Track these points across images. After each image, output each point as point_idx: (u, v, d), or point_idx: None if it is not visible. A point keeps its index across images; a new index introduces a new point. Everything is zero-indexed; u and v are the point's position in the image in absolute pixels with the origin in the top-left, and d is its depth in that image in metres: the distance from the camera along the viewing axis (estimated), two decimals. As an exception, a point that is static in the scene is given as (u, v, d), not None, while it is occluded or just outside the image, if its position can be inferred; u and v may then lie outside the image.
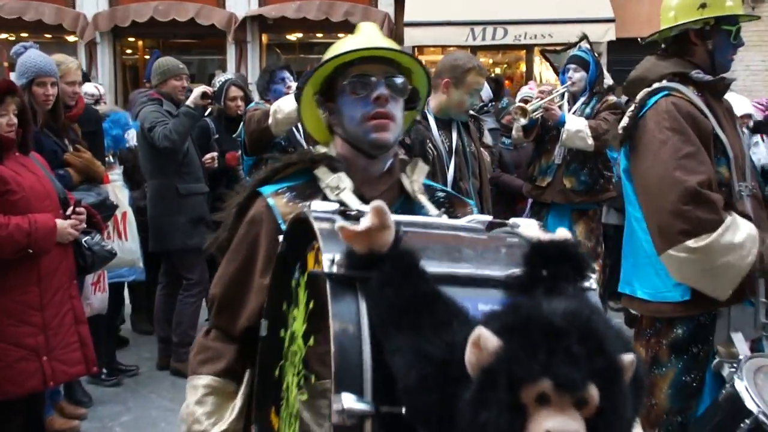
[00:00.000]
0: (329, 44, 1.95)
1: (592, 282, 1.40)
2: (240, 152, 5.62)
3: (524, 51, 14.80)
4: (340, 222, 1.34)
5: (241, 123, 5.31)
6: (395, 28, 14.09)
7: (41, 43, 13.73)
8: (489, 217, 1.62)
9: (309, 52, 14.99)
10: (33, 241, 3.66)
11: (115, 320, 5.74)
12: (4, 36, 15.45)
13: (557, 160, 5.68)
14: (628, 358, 1.07)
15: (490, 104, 7.14)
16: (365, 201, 1.74)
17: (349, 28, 14.27)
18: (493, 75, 11.26)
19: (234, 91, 6.22)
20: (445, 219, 1.70)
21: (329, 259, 1.30)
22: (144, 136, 5.44)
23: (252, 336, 1.78)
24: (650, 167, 2.94)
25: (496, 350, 1.03)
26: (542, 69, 14.07)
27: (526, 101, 5.96)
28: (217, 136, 6.19)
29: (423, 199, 1.83)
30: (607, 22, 12.75)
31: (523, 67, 15.09)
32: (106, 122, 5.48)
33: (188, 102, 5.42)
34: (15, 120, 3.72)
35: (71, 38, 15.00)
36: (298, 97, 1.99)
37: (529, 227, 1.51)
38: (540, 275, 1.30)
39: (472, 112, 4.73)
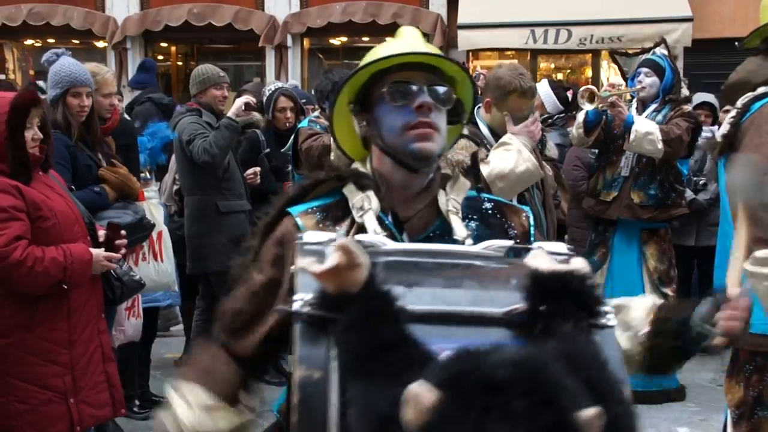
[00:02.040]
0: None
1: (609, 318, 1.39)
2: (290, 168, 5.72)
3: (590, 55, 14.75)
4: (304, 261, 1.39)
5: (291, 137, 5.44)
6: (448, 30, 14.19)
7: (68, 49, 14.15)
8: (509, 242, 1.65)
9: (354, 58, 15.11)
10: (69, 274, 3.61)
11: (149, 348, 5.87)
12: (30, 42, 15.97)
13: (624, 172, 5.64)
14: (588, 412, 1.03)
15: (557, 117, 7.01)
16: (399, 222, 1.82)
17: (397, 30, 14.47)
18: (564, 84, 11.20)
19: (283, 102, 6.30)
20: (464, 246, 1.72)
21: (300, 298, 1.36)
22: (182, 149, 5.60)
23: (259, 362, 1.86)
24: None
25: (431, 407, 1.03)
26: (610, 74, 14.00)
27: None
28: (267, 150, 6.34)
29: (454, 219, 1.84)
30: (683, 21, 12.60)
31: (588, 73, 15.02)
32: (144, 135, 5.66)
33: (229, 113, 5.56)
34: (40, 134, 3.68)
35: (100, 44, 15.41)
36: (331, 108, 2.02)
37: (536, 255, 1.49)
38: (538, 311, 1.32)
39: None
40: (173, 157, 6.00)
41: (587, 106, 5.56)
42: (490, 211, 1.94)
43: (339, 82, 2.08)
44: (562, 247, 1.52)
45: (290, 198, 1.90)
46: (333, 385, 1.24)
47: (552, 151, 5.50)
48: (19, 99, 3.61)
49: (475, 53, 14.56)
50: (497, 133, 4.29)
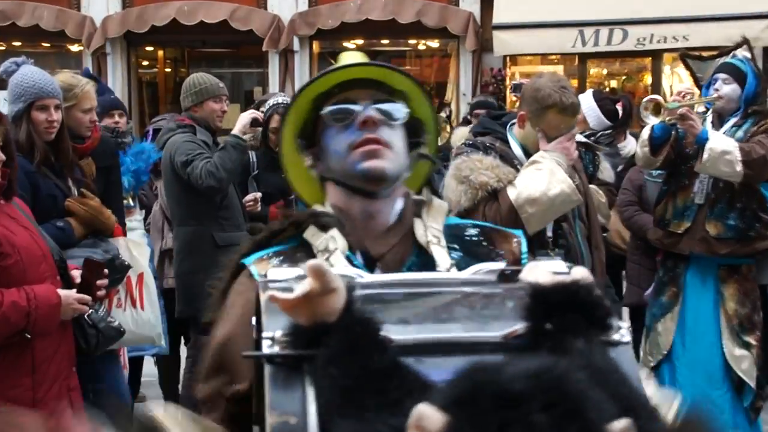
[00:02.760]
0: (397, 52, 2.06)
1: (623, 334, 1.41)
2: (293, 197, 5.69)
3: (649, 58, 14.72)
4: (270, 291, 1.41)
5: None
6: (482, 32, 14.26)
7: (38, 54, 14.19)
8: (501, 265, 1.68)
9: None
10: (32, 321, 3.59)
11: (134, 400, 5.83)
12: (-8, 45, 16.09)
13: (698, 199, 5.52)
14: (619, 424, 1.05)
15: (601, 133, 6.90)
16: (371, 261, 1.87)
17: (422, 31, 14.49)
18: (615, 93, 11.16)
19: (277, 121, 6.30)
20: (449, 273, 1.78)
21: (269, 336, 1.37)
22: (173, 171, 5.59)
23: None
24: None
25: (441, 429, 1.05)
26: (673, 81, 13.95)
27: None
28: (256, 172, 6.34)
29: (435, 249, 1.88)
30: (762, 18, 12.53)
31: (648, 79, 15.00)
32: (128, 155, 5.67)
33: (235, 131, 5.59)
34: (2, 156, 3.65)
35: (75, 47, 15.57)
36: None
37: (533, 269, 1.54)
38: (543, 329, 1.34)
39: (583, 138, 4.69)
40: (160, 183, 6.01)
41: (652, 120, 5.46)
42: (474, 239, 1.98)
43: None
44: (559, 264, 1.55)
45: (242, 253, 1.95)
46: (312, 430, 1.28)
47: (607, 173, 5.43)
48: None
49: (514, 58, 14.61)
50: (531, 153, 4.27)
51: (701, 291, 5.63)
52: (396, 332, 1.37)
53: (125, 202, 5.42)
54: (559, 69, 14.47)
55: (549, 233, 4.15)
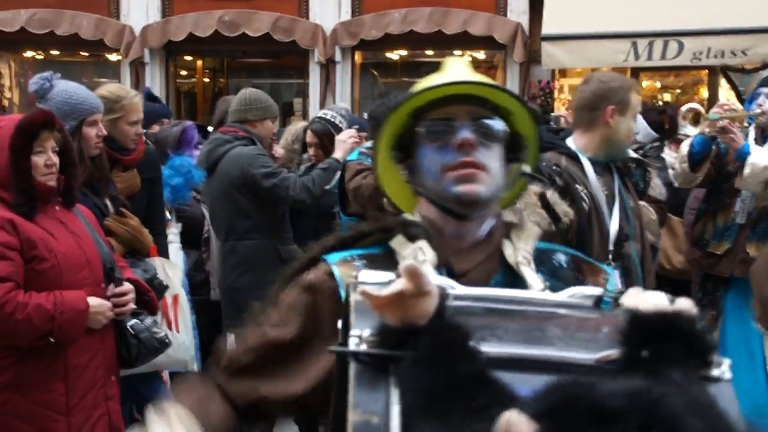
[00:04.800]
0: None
1: (724, 371, 1.38)
2: (337, 209, 5.82)
3: (706, 72, 14.58)
4: (365, 286, 1.43)
5: (337, 174, 5.60)
6: (530, 42, 14.30)
7: (76, 63, 14.32)
8: (599, 290, 1.69)
9: (416, 75, 15.15)
10: (57, 327, 3.63)
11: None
12: (30, 54, 16.39)
13: (739, 219, 5.58)
14: None
15: (649, 146, 6.96)
16: (454, 276, 1.84)
17: (468, 42, 14.37)
18: (659, 105, 11.08)
19: (309, 137, 6.60)
20: (544, 294, 1.78)
21: (356, 335, 1.40)
22: (242, 183, 5.81)
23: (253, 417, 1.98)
24: None
25: None
26: (731, 95, 13.84)
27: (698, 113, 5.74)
28: None
29: (526, 270, 1.92)
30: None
31: (704, 93, 14.82)
32: (165, 169, 5.77)
33: (338, 155, 5.80)
34: (56, 160, 3.76)
35: (113, 57, 15.79)
36: (374, 159, 2.14)
37: (634, 296, 1.51)
38: (639, 357, 1.33)
39: (632, 153, 4.73)
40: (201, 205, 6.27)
41: (690, 130, 5.52)
42: (564, 265, 2.02)
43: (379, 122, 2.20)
44: (661, 295, 1.52)
45: (326, 248, 2.00)
46: (395, 430, 1.28)
47: (658, 189, 5.39)
48: (27, 119, 3.75)
49: (563, 72, 14.54)
50: (613, 153, 4.36)
51: (742, 315, 5.58)
52: (486, 344, 1.37)
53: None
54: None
55: (610, 247, 4.20)
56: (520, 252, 1.95)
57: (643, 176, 5.06)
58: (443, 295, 1.42)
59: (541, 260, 1.99)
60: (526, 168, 2.08)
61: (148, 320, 4.21)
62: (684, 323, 1.37)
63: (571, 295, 1.67)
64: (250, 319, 2.08)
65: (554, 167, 4.18)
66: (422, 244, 1.90)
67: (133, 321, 4.10)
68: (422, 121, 1.98)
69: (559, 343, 1.44)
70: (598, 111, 4.30)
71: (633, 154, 4.81)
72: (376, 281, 1.50)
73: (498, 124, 1.98)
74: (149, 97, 8.69)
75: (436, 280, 1.55)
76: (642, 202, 4.99)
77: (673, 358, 1.31)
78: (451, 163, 1.92)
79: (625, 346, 1.37)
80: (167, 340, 4.35)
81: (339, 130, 6.33)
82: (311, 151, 6.55)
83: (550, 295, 1.72)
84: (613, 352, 1.39)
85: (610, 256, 4.20)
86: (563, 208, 3.93)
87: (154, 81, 15.31)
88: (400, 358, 1.33)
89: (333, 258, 1.96)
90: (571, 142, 4.41)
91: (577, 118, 4.43)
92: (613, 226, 4.23)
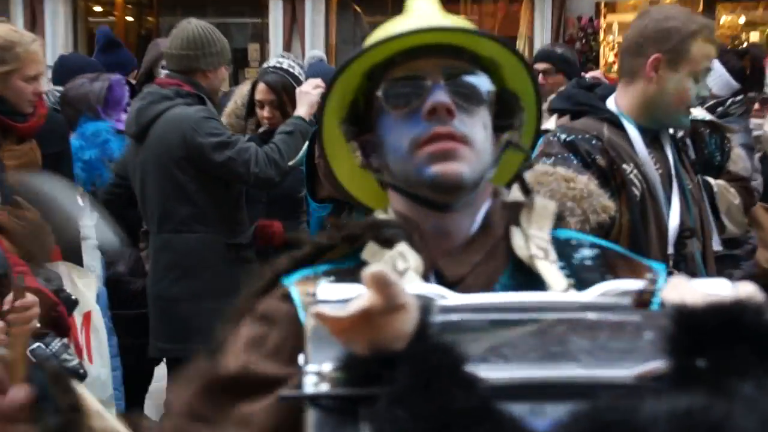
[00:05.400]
0: None
1: None
2: (304, 192, 5.70)
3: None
4: (320, 306, 1.41)
5: (304, 146, 5.49)
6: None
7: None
8: (639, 284, 1.65)
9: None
10: None
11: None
12: None
13: None
14: None
15: (731, 101, 6.86)
16: (447, 285, 1.79)
17: None
18: (741, 46, 11.13)
19: (261, 92, 6.36)
20: (566, 294, 1.77)
21: (314, 371, 1.38)
22: (186, 157, 5.58)
23: None
24: None
25: None
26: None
27: None
28: None
29: (543, 266, 1.88)
30: None
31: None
32: (74, 139, 5.66)
33: (302, 113, 5.68)
34: None
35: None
36: (318, 134, 2.11)
37: (678, 285, 1.49)
38: (694, 368, 1.31)
39: (705, 115, 4.66)
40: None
41: None
42: (589, 263, 1.97)
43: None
44: (718, 282, 1.49)
45: (282, 269, 1.96)
46: None
47: (741, 163, 5.27)
48: None
49: (611, 4, 14.60)
50: (661, 119, 4.24)
51: None
52: (489, 368, 1.37)
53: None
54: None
55: (671, 249, 4.09)
56: (533, 241, 1.91)
57: (720, 145, 4.96)
58: (425, 309, 1.39)
59: (562, 254, 1.94)
60: (515, 136, 2.03)
61: (56, 344, 4.14)
62: (750, 316, 1.32)
63: (602, 294, 1.63)
64: (201, 349, 2.03)
65: (594, 140, 4.06)
66: (402, 248, 1.86)
67: (36, 345, 4.01)
68: (381, 83, 1.93)
69: (586, 358, 1.42)
70: (641, 59, 4.20)
71: (703, 115, 4.73)
72: (339, 297, 1.48)
73: (481, 81, 1.93)
74: (109, 43, 8.68)
75: (421, 289, 1.55)
76: (720, 181, 4.96)
77: (738, 365, 1.27)
78: (421, 135, 1.87)
79: (674, 355, 1.33)
80: (81, 371, 4.29)
81: (300, 83, 6.16)
82: (264, 112, 6.32)
83: (574, 296, 1.71)
84: (658, 365, 1.35)
85: (671, 260, 4.12)
86: (602, 202, 3.89)
87: (56, 19, 15.33)
88: (373, 397, 1.30)
89: (290, 279, 1.91)
90: (611, 103, 4.30)
91: (621, 67, 4.33)
92: (673, 217, 4.12)
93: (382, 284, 1.34)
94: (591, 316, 1.53)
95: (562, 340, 1.45)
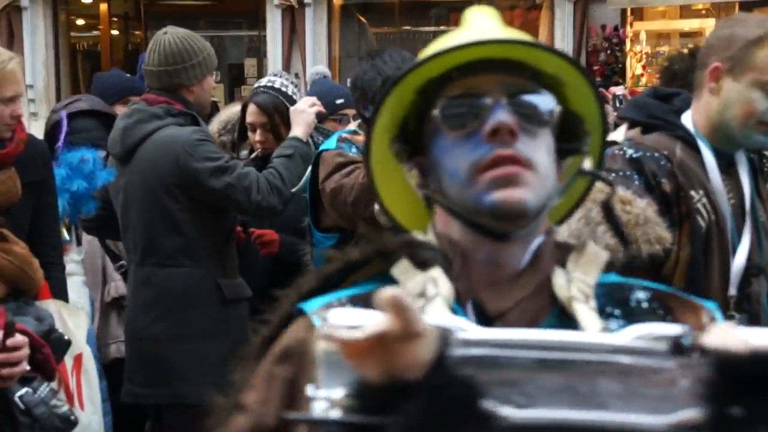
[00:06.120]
0: (460, 3, 2.06)
1: None
2: (307, 222, 5.62)
3: None
4: (330, 328, 1.43)
5: (308, 169, 5.47)
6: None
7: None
8: (676, 329, 1.63)
9: (421, 22, 15.20)
10: None
11: None
12: None
13: None
14: None
15: None
16: (487, 318, 1.85)
17: None
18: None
19: (251, 114, 6.32)
20: (598, 336, 1.76)
21: (324, 396, 1.39)
22: (179, 184, 5.49)
23: None
24: None
25: None
26: None
27: None
28: None
29: (579, 309, 1.88)
30: None
31: None
32: (62, 167, 5.60)
33: (299, 133, 5.61)
34: None
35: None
36: (365, 151, 2.10)
37: (719, 333, 1.52)
38: (732, 417, 1.32)
39: None
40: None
41: None
42: (644, 305, 1.97)
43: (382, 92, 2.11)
44: (762, 331, 1.52)
45: (304, 292, 1.96)
46: None
47: None
48: None
49: (638, 10, 14.58)
50: (732, 138, 4.13)
51: None
52: (509, 405, 1.38)
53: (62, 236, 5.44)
54: (710, 24, 14.40)
55: (733, 291, 4.00)
56: (574, 284, 1.91)
57: (758, 163, 4.83)
58: (444, 339, 1.41)
59: (616, 299, 1.96)
60: (587, 164, 2.01)
61: (44, 389, 4.08)
62: None
63: (637, 337, 1.61)
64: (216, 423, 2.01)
65: (663, 160, 3.99)
66: (436, 272, 1.86)
67: (23, 390, 3.98)
68: (437, 100, 1.92)
69: (616, 402, 1.43)
70: (704, 70, 4.13)
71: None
72: (352, 323, 1.47)
73: (545, 101, 1.92)
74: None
75: (442, 319, 1.55)
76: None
77: None
78: (482, 159, 1.86)
79: (711, 402, 1.35)
80: (72, 417, 4.23)
81: (294, 104, 6.06)
82: (256, 135, 6.31)
83: (607, 338, 1.68)
84: (694, 413, 1.36)
85: (732, 300, 4.06)
86: (658, 232, 3.79)
87: (36, 34, 15.35)
88: (386, 427, 1.32)
89: (312, 305, 1.91)
90: (688, 119, 4.22)
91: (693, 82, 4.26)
92: (741, 254, 4.04)
93: (399, 308, 1.36)
94: (624, 359, 1.54)
95: (592, 383, 1.46)
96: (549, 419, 1.39)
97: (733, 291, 3.92)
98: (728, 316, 3.82)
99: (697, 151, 3.95)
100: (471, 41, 1.91)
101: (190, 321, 5.46)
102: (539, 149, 1.89)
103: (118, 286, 6.28)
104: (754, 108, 3.83)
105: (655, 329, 1.62)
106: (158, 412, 5.85)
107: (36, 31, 15.33)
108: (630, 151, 3.89)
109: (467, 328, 1.57)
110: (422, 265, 1.88)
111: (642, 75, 14.64)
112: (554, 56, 1.96)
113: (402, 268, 1.89)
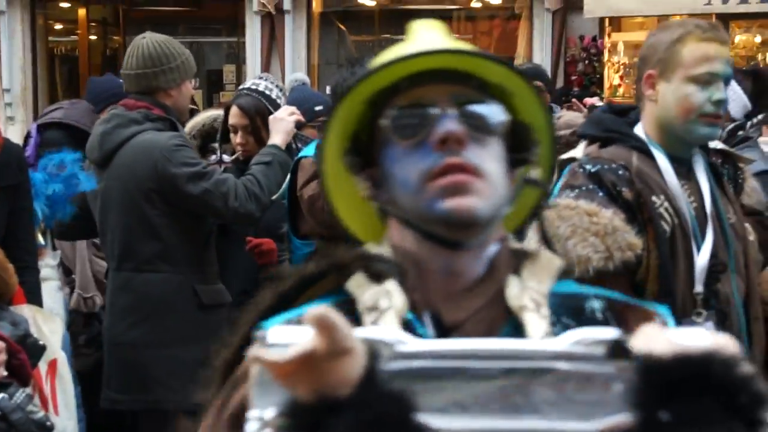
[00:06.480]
0: (440, 12, 2.08)
1: None
2: (285, 229, 5.66)
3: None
4: (256, 349, 1.44)
5: (287, 177, 5.46)
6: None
7: None
8: (613, 332, 1.64)
9: (400, 32, 15.22)
10: None
11: None
12: None
13: None
14: None
15: (749, 124, 6.84)
16: (444, 329, 1.85)
17: None
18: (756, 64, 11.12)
19: (234, 117, 6.27)
20: (537, 343, 1.77)
21: (256, 417, 1.41)
22: (159, 189, 5.49)
23: None
24: None
25: None
26: None
27: None
28: None
29: (529, 318, 1.87)
30: None
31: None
32: (39, 170, 5.61)
33: (277, 141, 5.63)
34: None
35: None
36: (318, 165, 2.13)
37: (649, 333, 1.54)
38: (659, 422, 1.34)
39: (716, 143, 4.62)
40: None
41: None
42: (598, 315, 1.97)
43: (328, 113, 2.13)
44: (696, 331, 1.53)
45: (261, 312, 1.95)
46: None
47: (756, 196, 5.17)
48: None
49: (616, 21, 14.61)
50: (680, 138, 4.18)
51: None
52: (443, 418, 1.39)
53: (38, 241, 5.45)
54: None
55: (699, 288, 4.08)
56: (527, 293, 1.91)
57: (734, 176, 4.84)
58: (374, 354, 1.43)
59: (567, 307, 1.95)
60: (533, 173, 2.05)
61: (21, 395, 4.09)
62: (718, 368, 1.36)
63: (575, 342, 1.62)
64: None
65: (621, 170, 4.03)
66: (390, 285, 1.86)
67: (0, 396, 3.99)
68: (386, 111, 1.95)
69: (549, 410, 1.45)
70: (641, 82, 4.23)
71: (715, 143, 4.68)
72: (289, 341, 1.48)
73: (493, 110, 1.95)
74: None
75: (382, 334, 1.55)
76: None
77: (704, 419, 1.32)
78: (432, 168, 1.88)
79: (638, 408, 1.37)
80: (48, 423, 4.21)
81: (278, 108, 6.13)
82: (237, 138, 6.33)
83: (544, 344, 1.70)
84: (624, 418, 1.39)
85: (699, 298, 4.09)
86: (627, 239, 3.88)
87: (14, 38, 15.32)
88: None
89: (270, 324, 1.83)
90: (640, 130, 4.29)
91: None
92: (704, 252, 4.10)
93: (325, 326, 1.37)
94: (560, 365, 1.55)
95: (526, 391, 1.47)
96: (480, 428, 1.40)
97: (699, 288, 4.01)
98: (696, 314, 3.96)
99: (652, 158, 4.06)
100: (416, 51, 1.93)
101: (167, 327, 5.46)
102: (488, 158, 1.91)
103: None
104: (691, 102, 3.96)
105: (592, 333, 1.63)
106: (135, 418, 5.84)
107: (14, 35, 15.28)
108: (588, 167, 3.99)
109: (406, 341, 1.57)
110: (377, 277, 1.88)
111: (619, 86, 14.69)
112: (499, 66, 1.98)
113: (356, 282, 1.89)
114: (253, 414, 1.42)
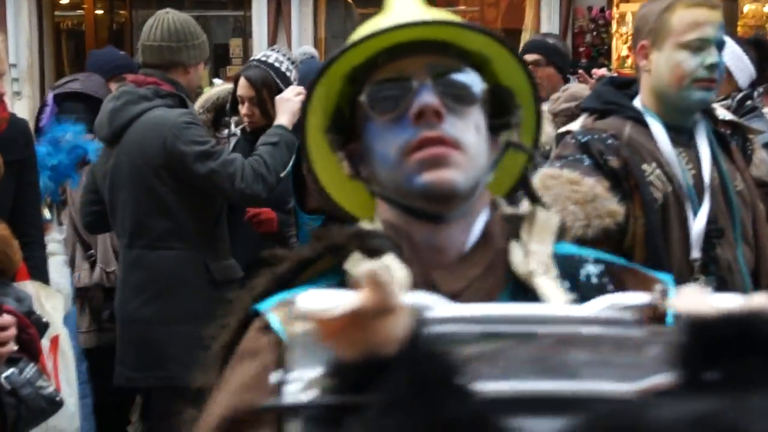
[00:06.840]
0: None
1: None
2: (292, 204, 5.65)
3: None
4: (303, 304, 1.40)
5: (293, 154, 5.43)
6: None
7: None
8: (645, 298, 1.66)
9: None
10: None
11: None
12: None
13: None
14: None
15: (756, 93, 6.82)
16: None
17: None
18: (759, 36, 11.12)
19: (241, 88, 6.29)
20: (565, 308, 1.78)
21: (297, 378, 1.39)
22: (166, 166, 5.51)
23: None
24: None
25: None
26: None
27: None
28: None
29: (542, 283, 1.89)
30: None
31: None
32: (42, 144, 5.65)
33: (284, 122, 5.64)
34: None
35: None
36: (301, 141, 2.13)
37: (688, 295, 1.53)
38: (705, 381, 1.29)
39: (725, 114, 4.59)
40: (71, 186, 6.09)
41: None
42: (594, 280, 2.00)
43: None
44: (727, 295, 1.52)
45: (257, 293, 1.95)
46: None
47: (764, 167, 5.22)
48: None
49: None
50: (676, 105, 4.18)
51: None
52: (483, 380, 1.36)
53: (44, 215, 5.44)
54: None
55: (696, 254, 4.11)
56: (533, 257, 1.93)
57: (743, 147, 4.87)
58: (418, 315, 1.42)
59: (563, 270, 1.97)
60: (515, 136, 2.05)
61: (30, 369, 4.04)
62: (763, 326, 1.31)
63: (605, 308, 1.66)
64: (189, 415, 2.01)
65: (610, 139, 4.08)
66: (388, 259, 1.85)
67: (9, 371, 3.93)
68: (364, 86, 1.96)
69: (586, 372, 1.42)
70: (636, 55, 4.25)
71: (724, 114, 4.67)
72: (321, 304, 1.44)
73: (471, 79, 1.96)
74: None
75: (412, 298, 1.54)
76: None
77: (752, 377, 1.26)
78: (409, 141, 1.89)
79: (682, 367, 1.32)
80: (58, 399, 4.19)
81: (287, 82, 6.17)
82: (243, 109, 6.25)
83: (574, 310, 1.74)
84: (664, 379, 1.34)
85: (696, 264, 4.09)
86: (607, 207, 3.91)
87: (20, 13, 15.29)
88: (362, 406, 1.27)
89: (266, 304, 1.91)
90: (638, 101, 4.30)
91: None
92: (700, 218, 4.09)
93: (376, 283, 1.35)
94: (592, 330, 1.57)
95: (561, 354, 1.47)
96: (523, 391, 1.37)
97: (696, 254, 4.04)
98: (693, 279, 3.97)
99: (647, 127, 4.13)
100: (392, 25, 1.94)
101: (180, 303, 5.49)
102: (467, 129, 1.92)
103: (82, 276, 6.29)
104: (683, 69, 4.01)
105: (623, 299, 1.67)
106: (148, 396, 5.85)
107: (20, 10, 15.27)
108: (579, 137, 4.09)
109: (436, 305, 1.60)
110: (374, 253, 1.87)
111: (627, 56, 14.65)
112: (476, 33, 1.99)
113: (353, 261, 1.88)
114: (292, 376, 1.40)
